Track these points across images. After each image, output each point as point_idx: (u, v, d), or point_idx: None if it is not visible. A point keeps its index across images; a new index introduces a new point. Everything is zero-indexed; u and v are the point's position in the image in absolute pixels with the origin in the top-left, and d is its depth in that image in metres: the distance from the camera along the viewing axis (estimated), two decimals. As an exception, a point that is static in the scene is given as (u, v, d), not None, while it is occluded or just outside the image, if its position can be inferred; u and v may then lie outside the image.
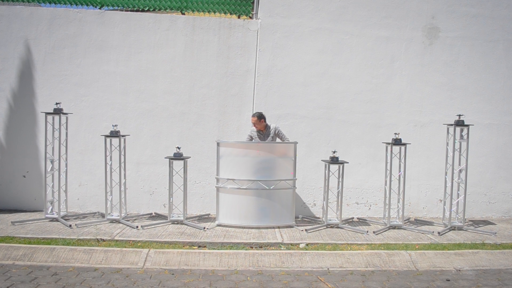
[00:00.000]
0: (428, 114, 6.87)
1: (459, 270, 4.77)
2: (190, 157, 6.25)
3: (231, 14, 7.12)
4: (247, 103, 6.80)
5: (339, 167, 6.02)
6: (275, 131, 6.32)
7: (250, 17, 7.06)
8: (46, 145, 6.05)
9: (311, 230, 5.85)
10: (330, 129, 6.80)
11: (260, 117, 6.20)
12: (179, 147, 6.06)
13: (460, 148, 6.18)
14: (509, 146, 6.98)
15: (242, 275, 4.52)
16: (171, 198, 6.10)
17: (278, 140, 6.36)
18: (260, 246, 5.29)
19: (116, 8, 7.08)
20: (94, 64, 6.70)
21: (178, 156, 5.99)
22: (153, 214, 6.59)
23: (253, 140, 6.30)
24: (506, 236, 5.83)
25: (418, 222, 6.47)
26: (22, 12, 6.64)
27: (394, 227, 6.06)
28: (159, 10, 7.06)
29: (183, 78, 6.76)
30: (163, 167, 6.48)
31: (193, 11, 7.09)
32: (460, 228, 6.07)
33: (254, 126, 6.27)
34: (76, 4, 6.99)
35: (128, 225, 5.85)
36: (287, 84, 6.76)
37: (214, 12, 7.10)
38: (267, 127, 6.33)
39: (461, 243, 5.46)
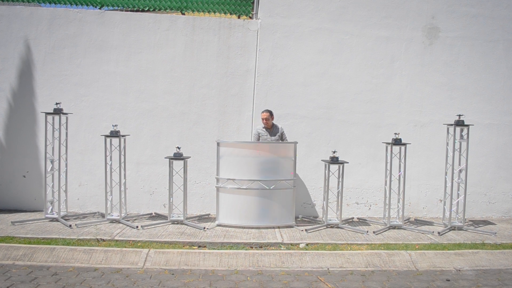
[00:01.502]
0: (428, 114, 6.87)
1: (459, 270, 4.77)
2: (190, 157, 6.25)
3: (231, 14, 7.12)
4: (247, 103, 6.80)
5: (339, 167, 6.03)
6: (281, 130, 6.36)
7: (250, 17, 7.06)
8: (46, 145, 6.05)
9: (311, 230, 5.85)
10: (330, 129, 6.80)
11: (271, 113, 6.33)
12: (179, 147, 6.06)
13: (460, 148, 6.18)
14: (509, 146, 6.98)
15: (242, 275, 4.52)
16: (171, 198, 6.10)
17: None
18: (260, 246, 5.29)
19: (116, 8, 7.08)
20: (94, 64, 6.70)
21: (178, 156, 5.99)
22: (153, 214, 6.59)
23: (260, 138, 6.33)
24: (506, 236, 5.83)
25: (418, 222, 6.47)
26: (22, 12, 6.64)
27: (394, 227, 6.06)
28: (159, 10, 7.06)
29: (183, 78, 6.76)
30: (163, 167, 6.48)
31: (193, 11, 7.09)
32: (460, 228, 6.07)
33: (266, 121, 6.30)
34: (76, 4, 6.99)
35: (128, 225, 5.85)
36: (287, 84, 6.76)
37: (214, 12, 7.10)
38: (273, 125, 6.38)
39: (461, 243, 5.46)
